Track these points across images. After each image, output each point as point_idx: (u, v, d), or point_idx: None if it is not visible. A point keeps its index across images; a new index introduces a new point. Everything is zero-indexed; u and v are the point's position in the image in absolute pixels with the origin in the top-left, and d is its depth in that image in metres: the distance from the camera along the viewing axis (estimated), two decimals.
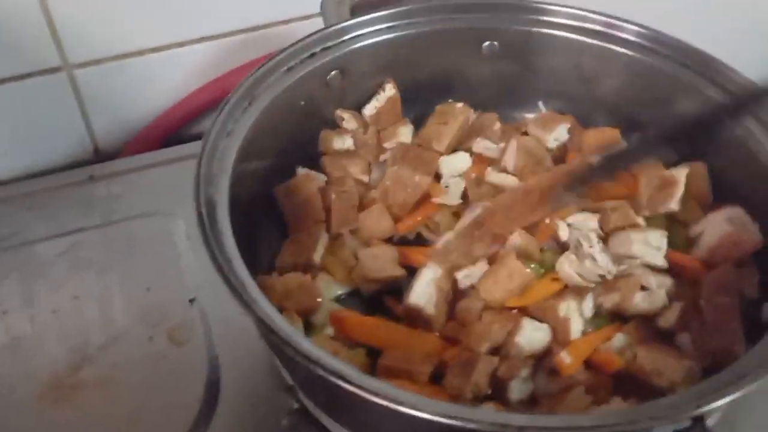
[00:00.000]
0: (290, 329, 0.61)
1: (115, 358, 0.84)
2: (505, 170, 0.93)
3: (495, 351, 0.76)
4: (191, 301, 0.90)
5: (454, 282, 0.82)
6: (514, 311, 0.79)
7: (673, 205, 0.86)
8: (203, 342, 0.86)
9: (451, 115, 0.97)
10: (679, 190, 0.86)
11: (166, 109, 1.13)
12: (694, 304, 0.78)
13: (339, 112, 0.95)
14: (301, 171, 0.92)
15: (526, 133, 0.97)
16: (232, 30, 1.09)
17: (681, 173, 0.87)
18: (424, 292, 0.79)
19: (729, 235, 0.82)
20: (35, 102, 1.05)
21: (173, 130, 1.14)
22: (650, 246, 0.82)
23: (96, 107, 1.09)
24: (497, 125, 0.97)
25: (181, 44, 1.08)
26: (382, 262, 0.84)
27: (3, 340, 0.86)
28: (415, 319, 0.79)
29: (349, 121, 0.95)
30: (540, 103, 1.03)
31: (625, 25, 0.93)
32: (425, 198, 0.92)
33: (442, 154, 0.94)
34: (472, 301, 0.79)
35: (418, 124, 0.99)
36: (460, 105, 0.98)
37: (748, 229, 0.83)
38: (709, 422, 0.70)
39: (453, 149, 0.96)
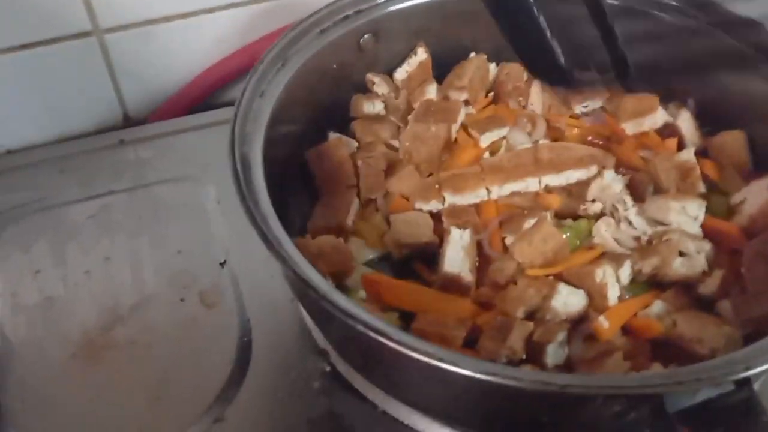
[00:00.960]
0: (328, 286, 0.60)
1: (146, 320, 0.84)
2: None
3: (530, 316, 0.75)
4: (222, 264, 0.89)
5: (479, 246, 0.80)
6: (550, 277, 0.77)
7: (701, 188, 0.85)
8: (234, 305, 0.86)
9: (466, 64, 0.96)
10: (698, 175, 0.84)
11: (194, 77, 1.11)
12: (735, 272, 0.76)
13: (370, 76, 0.94)
14: (333, 136, 0.91)
15: None
16: None
17: (690, 155, 0.86)
18: (457, 258, 0.78)
19: None
20: (66, 67, 1.04)
21: (201, 97, 1.13)
22: (687, 215, 0.80)
23: (125, 73, 1.08)
24: (525, 76, 0.96)
25: (210, 10, 1.06)
26: (414, 228, 0.82)
27: (36, 300, 0.86)
28: (450, 285, 0.77)
29: (379, 85, 0.93)
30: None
31: None
32: (450, 147, 0.90)
33: (462, 103, 0.93)
34: (505, 263, 0.77)
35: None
36: (472, 54, 0.97)
37: None
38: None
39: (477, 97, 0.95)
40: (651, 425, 0.59)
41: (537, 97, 0.94)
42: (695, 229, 0.80)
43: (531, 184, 0.84)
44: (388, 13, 0.90)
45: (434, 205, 0.83)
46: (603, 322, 0.72)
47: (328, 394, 0.78)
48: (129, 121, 1.13)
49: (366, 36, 0.90)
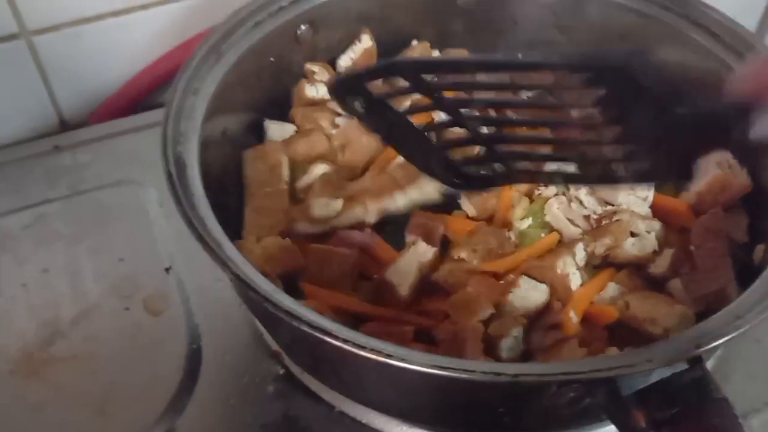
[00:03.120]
0: (271, 287, 0.59)
1: (89, 331, 0.82)
2: None
3: None
4: (167, 269, 0.87)
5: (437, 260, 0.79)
6: (502, 281, 0.76)
7: None
8: (181, 311, 0.84)
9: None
10: None
11: (132, 77, 1.09)
12: (685, 250, 0.77)
13: (309, 66, 0.92)
14: (270, 124, 0.89)
15: None
16: None
17: None
18: (404, 270, 0.76)
19: (717, 180, 0.81)
20: None
21: (140, 97, 1.10)
22: (637, 195, 0.80)
23: (58, 76, 1.05)
24: None
25: (144, 7, 1.03)
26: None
27: None
28: (383, 292, 0.76)
29: (320, 73, 0.92)
30: (519, 55, 1.00)
31: None
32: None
33: None
34: (455, 265, 0.76)
35: None
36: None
37: (736, 173, 0.81)
38: None
39: None
40: (606, 409, 0.59)
41: None
42: (645, 209, 0.81)
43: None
44: (324, 2, 0.88)
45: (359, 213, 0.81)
46: (573, 317, 0.71)
47: (282, 397, 0.77)
48: (66, 126, 1.09)
49: (303, 27, 0.89)
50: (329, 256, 0.74)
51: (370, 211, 0.81)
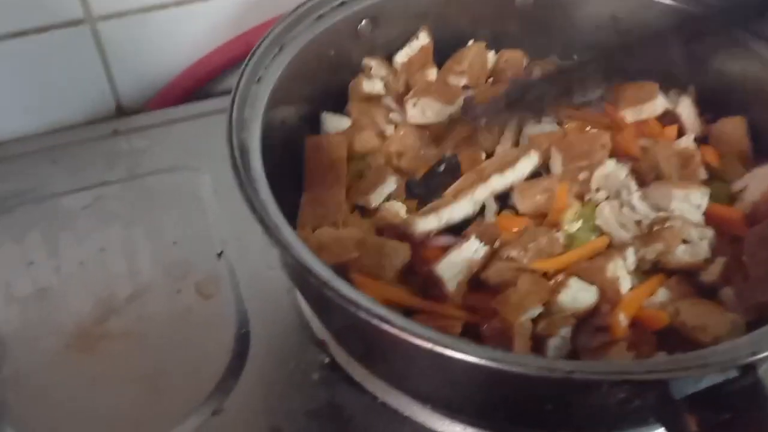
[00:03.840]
0: (329, 273, 0.59)
1: (142, 311, 0.83)
2: None
3: None
4: (219, 254, 0.88)
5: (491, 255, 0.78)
6: (551, 281, 0.75)
7: (703, 175, 0.84)
8: (231, 295, 0.85)
9: (465, 51, 0.96)
10: (699, 162, 0.84)
11: (188, 66, 1.10)
12: (737, 259, 0.76)
13: (367, 60, 0.92)
14: (327, 116, 0.90)
15: None
16: None
17: (690, 141, 0.86)
18: (453, 265, 0.75)
19: None
20: (57, 56, 1.02)
21: (195, 87, 1.12)
22: (690, 203, 0.79)
23: (118, 62, 1.07)
24: (524, 62, 0.95)
25: None
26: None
27: (29, 291, 0.85)
28: (432, 285, 0.75)
29: (377, 68, 0.92)
30: (575, 57, 1.00)
31: None
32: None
33: (462, 88, 0.93)
34: (504, 264, 0.76)
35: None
36: (471, 42, 0.97)
37: None
38: None
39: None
40: (657, 412, 0.59)
41: None
42: (698, 216, 0.80)
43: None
44: None
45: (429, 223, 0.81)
46: (623, 321, 0.70)
47: (327, 385, 0.77)
48: (122, 111, 1.11)
49: (363, 22, 0.89)
50: (382, 248, 0.74)
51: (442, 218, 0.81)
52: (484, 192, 0.82)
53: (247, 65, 0.76)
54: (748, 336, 0.60)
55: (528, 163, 0.84)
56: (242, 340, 0.81)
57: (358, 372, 0.77)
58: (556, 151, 0.84)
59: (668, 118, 0.91)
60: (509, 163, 0.83)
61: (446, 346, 0.54)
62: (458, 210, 0.80)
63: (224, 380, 0.77)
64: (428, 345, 0.54)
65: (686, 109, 0.90)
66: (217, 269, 0.87)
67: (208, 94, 1.12)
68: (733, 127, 0.87)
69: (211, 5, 1.06)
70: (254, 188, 0.65)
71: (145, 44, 1.07)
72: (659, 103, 0.90)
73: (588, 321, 0.72)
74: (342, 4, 0.86)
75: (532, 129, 0.89)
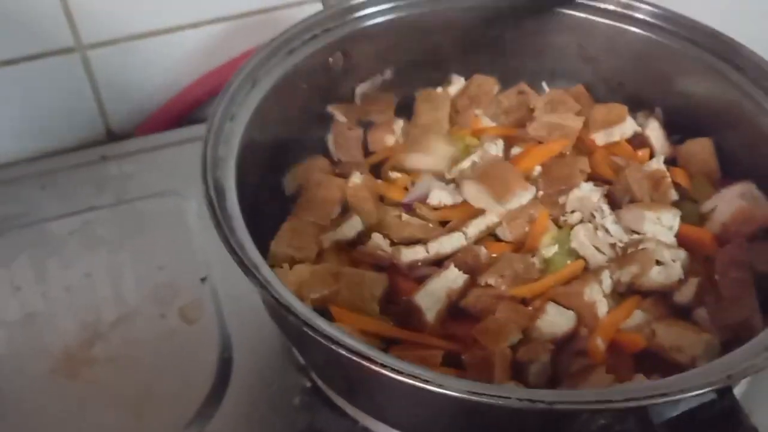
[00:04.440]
0: (308, 310, 0.55)
1: (127, 335, 0.79)
2: None
3: None
4: (203, 279, 0.85)
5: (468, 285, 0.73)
6: (530, 307, 0.71)
7: (673, 197, 0.80)
8: (215, 320, 0.81)
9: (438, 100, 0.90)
10: (669, 183, 0.80)
11: (178, 92, 1.06)
12: (710, 279, 0.72)
13: (330, 109, 0.88)
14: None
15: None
16: (244, 12, 1.03)
17: (660, 164, 0.82)
18: (432, 294, 0.71)
19: (741, 211, 0.76)
20: (48, 83, 0.99)
21: (185, 112, 1.08)
22: (662, 225, 0.76)
23: (109, 89, 1.03)
24: (496, 89, 0.91)
25: (194, 25, 1.02)
26: None
27: (16, 316, 0.81)
28: (411, 314, 0.71)
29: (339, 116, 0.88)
30: (543, 84, 0.96)
31: (637, 4, 0.86)
32: None
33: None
34: (483, 291, 0.71)
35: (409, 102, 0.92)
36: (439, 90, 0.92)
37: (760, 204, 0.77)
38: None
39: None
40: None
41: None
42: (670, 238, 0.76)
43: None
44: (356, 31, 0.85)
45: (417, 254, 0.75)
46: (600, 344, 0.66)
47: (308, 409, 0.74)
48: (112, 136, 1.07)
49: (335, 55, 0.85)
50: (362, 280, 0.69)
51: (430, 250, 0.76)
52: (477, 227, 0.77)
53: (220, 103, 0.71)
54: (722, 359, 0.57)
55: (526, 195, 0.78)
56: (225, 365, 0.77)
57: (339, 397, 0.72)
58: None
59: (637, 140, 0.87)
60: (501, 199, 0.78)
61: (427, 381, 0.50)
62: (448, 243, 0.75)
63: (207, 404, 0.74)
64: (409, 381, 0.50)
65: (654, 132, 0.87)
66: (201, 294, 0.83)
67: (197, 120, 1.08)
68: (701, 149, 0.84)
69: (198, 32, 1.02)
70: (231, 227, 0.61)
71: (134, 71, 1.03)
72: (629, 125, 0.86)
73: (567, 345, 0.68)
74: (313, 37, 0.82)
75: None
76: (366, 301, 0.68)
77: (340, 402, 0.73)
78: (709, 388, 0.53)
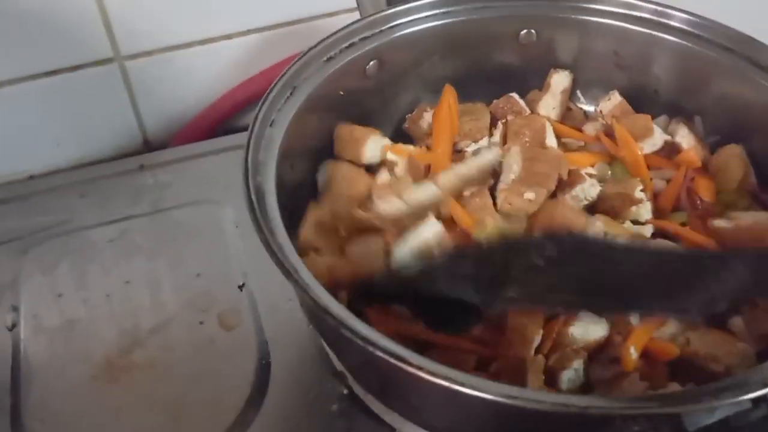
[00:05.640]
0: (345, 312, 0.58)
1: (166, 342, 0.82)
2: None
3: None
4: (240, 287, 0.88)
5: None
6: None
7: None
8: (252, 327, 0.84)
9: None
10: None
11: (213, 101, 1.10)
12: None
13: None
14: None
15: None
16: (278, 22, 1.06)
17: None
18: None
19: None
20: (88, 93, 1.03)
21: (220, 121, 1.12)
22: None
23: (146, 99, 1.07)
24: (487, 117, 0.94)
25: (228, 36, 1.06)
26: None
27: (58, 322, 0.84)
28: None
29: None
30: (578, 92, 0.99)
31: (672, 12, 0.88)
32: None
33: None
34: None
35: None
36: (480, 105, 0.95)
37: None
38: None
39: None
40: None
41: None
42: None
43: None
44: (392, 39, 0.88)
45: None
46: (633, 353, 0.69)
47: (346, 416, 0.76)
48: (149, 146, 1.12)
49: (371, 63, 0.88)
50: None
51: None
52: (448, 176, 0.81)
53: (260, 109, 0.75)
54: (758, 367, 0.58)
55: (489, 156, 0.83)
56: (263, 371, 0.80)
57: (376, 404, 0.75)
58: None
59: (671, 149, 0.89)
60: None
61: (462, 384, 0.53)
62: (421, 192, 0.79)
63: (245, 411, 0.76)
64: (444, 383, 0.53)
65: (685, 138, 0.88)
66: (238, 301, 0.86)
67: (231, 129, 1.12)
68: (732, 156, 0.85)
69: (233, 43, 1.06)
70: (271, 230, 0.65)
71: (171, 81, 1.07)
72: (658, 137, 0.88)
73: (602, 352, 0.70)
74: (350, 45, 0.86)
75: None
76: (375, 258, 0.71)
77: (377, 408, 0.75)
78: (744, 397, 0.55)
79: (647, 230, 0.81)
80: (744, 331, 0.71)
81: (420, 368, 0.53)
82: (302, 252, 0.73)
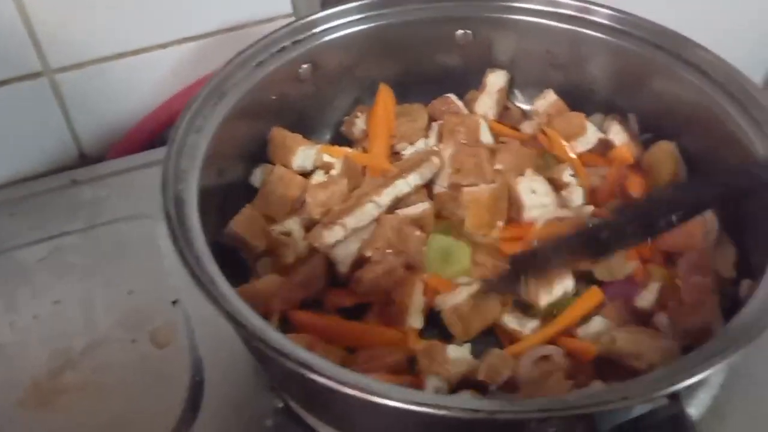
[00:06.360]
0: (260, 322, 0.60)
1: (98, 362, 0.83)
2: None
3: None
4: (174, 302, 0.88)
5: None
6: None
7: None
8: (186, 343, 0.84)
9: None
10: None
11: (149, 112, 1.11)
12: (672, 284, 0.76)
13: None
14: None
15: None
16: (214, 30, 1.07)
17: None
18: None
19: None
20: (17, 108, 1.03)
21: (157, 132, 1.12)
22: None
23: (79, 112, 1.08)
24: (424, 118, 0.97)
25: (162, 45, 1.06)
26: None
27: None
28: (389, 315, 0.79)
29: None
30: (516, 91, 1.01)
31: (597, 8, 0.91)
32: None
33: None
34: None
35: None
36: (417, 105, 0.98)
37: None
38: (695, 409, 0.70)
39: None
40: None
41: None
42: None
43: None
44: (324, 42, 0.90)
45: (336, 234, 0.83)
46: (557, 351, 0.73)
47: (281, 430, 0.77)
48: (85, 159, 1.12)
49: (304, 66, 0.90)
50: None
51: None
52: (389, 196, 0.84)
53: (183, 117, 0.77)
54: (670, 366, 0.61)
55: (430, 168, 0.87)
56: (196, 388, 0.80)
57: (311, 417, 0.77)
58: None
59: (605, 146, 0.93)
60: (412, 167, 0.86)
61: (371, 393, 0.55)
62: (363, 216, 0.82)
63: (178, 429, 0.77)
64: (352, 392, 0.55)
65: (618, 135, 0.92)
66: (172, 317, 0.87)
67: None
68: (664, 153, 0.89)
69: (168, 52, 1.07)
70: (189, 240, 0.66)
71: (105, 93, 1.07)
72: (591, 135, 0.91)
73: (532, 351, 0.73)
74: (282, 49, 0.87)
75: None
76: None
77: (312, 422, 0.77)
78: (651, 397, 0.57)
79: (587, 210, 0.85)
80: (668, 328, 0.74)
81: (331, 378, 0.55)
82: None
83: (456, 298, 0.78)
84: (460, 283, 0.80)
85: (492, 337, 0.80)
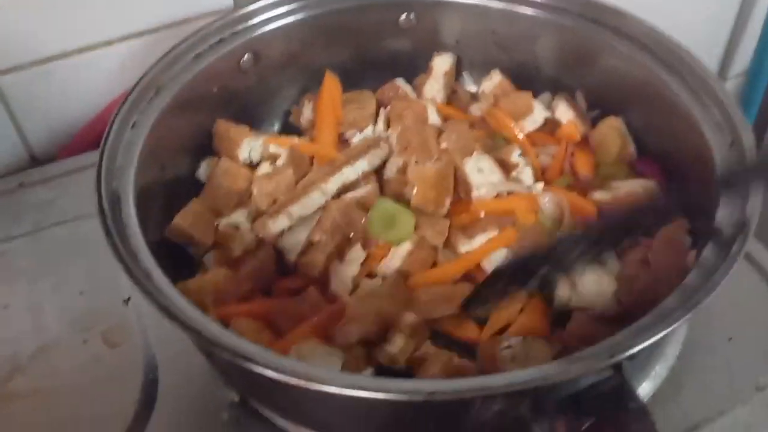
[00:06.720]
0: (195, 313, 0.60)
1: (48, 366, 0.83)
2: None
3: None
4: (126, 301, 0.88)
5: None
6: None
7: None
8: (140, 342, 0.84)
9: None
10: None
11: (99, 111, 1.10)
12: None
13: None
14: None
15: None
16: (159, 25, 1.07)
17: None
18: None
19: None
20: None
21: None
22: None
23: (27, 114, 1.07)
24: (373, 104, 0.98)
25: (108, 43, 1.06)
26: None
27: None
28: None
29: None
30: (465, 75, 1.02)
31: None
32: None
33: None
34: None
35: None
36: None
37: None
38: (652, 381, 0.73)
39: None
40: (534, 421, 0.61)
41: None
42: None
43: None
44: (266, 32, 0.90)
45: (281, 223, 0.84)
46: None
47: (237, 423, 0.78)
48: (37, 161, 1.11)
49: (246, 57, 0.90)
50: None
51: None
52: (336, 183, 0.85)
53: (117, 113, 0.77)
54: (611, 338, 0.62)
55: (378, 154, 0.88)
56: (151, 387, 0.81)
57: (267, 409, 0.77)
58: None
59: (553, 125, 0.94)
60: (360, 153, 0.87)
61: (309, 379, 0.55)
62: (309, 204, 0.83)
63: (132, 428, 0.77)
64: (286, 378, 0.55)
65: (564, 114, 0.93)
66: (124, 316, 0.87)
67: None
68: (611, 129, 0.90)
69: (114, 49, 1.07)
70: (125, 236, 0.66)
71: (52, 94, 1.07)
72: (538, 114, 0.92)
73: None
74: (220, 41, 0.87)
75: None
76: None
77: (268, 414, 0.77)
78: (590, 371, 0.59)
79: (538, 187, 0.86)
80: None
81: (267, 366, 0.56)
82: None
83: (395, 262, 0.80)
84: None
85: None
